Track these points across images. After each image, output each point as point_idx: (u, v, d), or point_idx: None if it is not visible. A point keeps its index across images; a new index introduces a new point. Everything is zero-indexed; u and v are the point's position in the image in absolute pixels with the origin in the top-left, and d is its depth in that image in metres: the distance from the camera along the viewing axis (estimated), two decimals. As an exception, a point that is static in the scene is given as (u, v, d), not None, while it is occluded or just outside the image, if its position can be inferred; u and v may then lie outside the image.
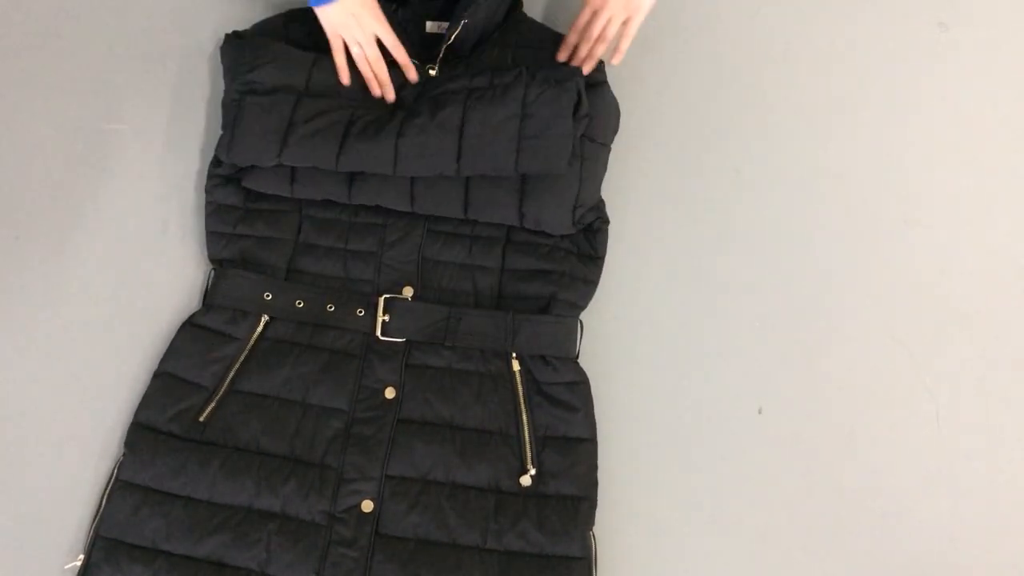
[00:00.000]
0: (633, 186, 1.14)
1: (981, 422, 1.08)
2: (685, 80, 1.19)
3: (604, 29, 1.08)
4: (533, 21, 1.16)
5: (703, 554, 1.02)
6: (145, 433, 0.99)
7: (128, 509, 0.96)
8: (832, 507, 1.04)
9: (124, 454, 0.99)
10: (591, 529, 0.99)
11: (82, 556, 0.96)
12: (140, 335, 1.05)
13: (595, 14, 1.08)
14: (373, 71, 1.07)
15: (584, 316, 1.07)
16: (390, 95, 1.08)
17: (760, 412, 1.07)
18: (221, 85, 1.11)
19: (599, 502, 1.00)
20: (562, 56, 1.11)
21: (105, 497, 0.98)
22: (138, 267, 1.08)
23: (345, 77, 1.07)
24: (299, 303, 1.04)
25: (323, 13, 1.04)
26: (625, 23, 1.09)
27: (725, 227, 1.14)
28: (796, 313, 1.11)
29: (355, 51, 1.06)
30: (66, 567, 0.98)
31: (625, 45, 1.11)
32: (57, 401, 1.03)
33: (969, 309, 1.12)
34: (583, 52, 1.10)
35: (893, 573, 1.03)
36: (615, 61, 1.12)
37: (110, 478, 0.99)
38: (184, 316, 1.05)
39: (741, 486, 1.04)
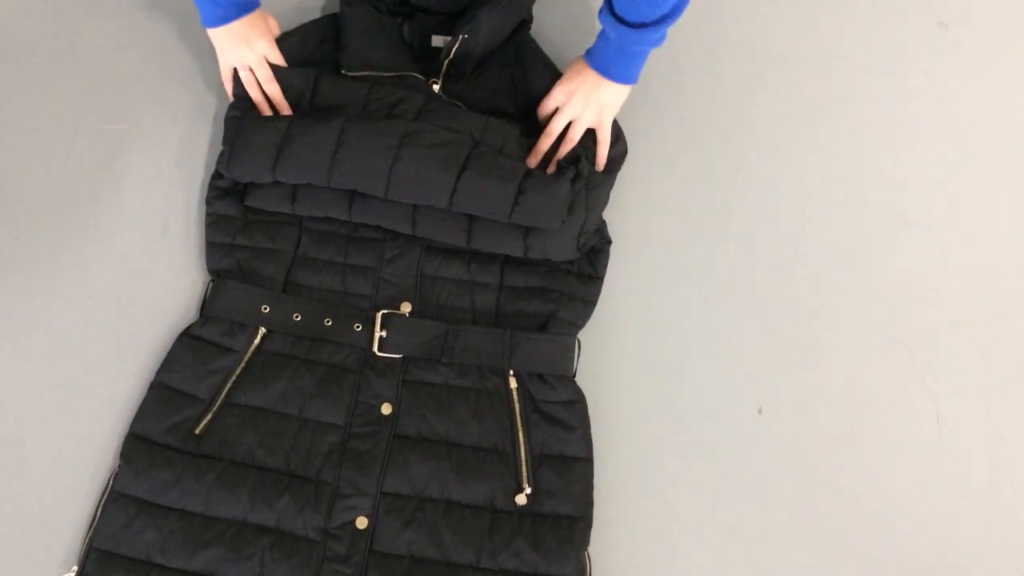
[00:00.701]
0: (632, 188, 1.14)
1: (981, 422, 1.08)
2: (684, 81, 1.19)
3: (571, 131, 1.06)
4: (538, 48, 1.14)
5: (703, 555, 1.02)
6: (140, 445, 0.99)
7: (122, 521, 0.96)
8: (832, 507, 1.04)
9: (119, 465, 0.98)
10: (586, 549, 0.98)
11: (75, 568, 0.95)
12: (138, 346, 1.05)
13: (558, 112, 1.06)
14: (265, 93, 1.07)
15: (581, 335, 1.07)
16: (285, 110, 1.06)
17: (760, 412, 1.07)
18: (222, 85, 1.11)
19: (595, 522, 0.99)
20: (532, 162, 1.06)
21: (100, 508, 0.97)
22: (138, 268, 1.08)
23: (232, 91, 1.08)
24: (296, 316, 1.03)
25: (214, 35, 1.05)
26: (595, 128, 1.06)
27: (725, 228, 1.14)
28: (796, 313, 1.11)
29: (244, 75, 1.06)
30: None
31: (602, 153, 1.07)
32: (52, 411, 1.03)
33: (969, 309, 1.12)
34: (542, 151, 1.06)
35: (893, 573, 1.03)
36: (598, 167, 1.08)
37: (105, 489, 0.98)
38: (181, 326, 1.04)
39: (741, 486, 1.04)
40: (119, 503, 0.97)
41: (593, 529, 0.99)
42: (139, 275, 1.08)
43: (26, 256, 1.08)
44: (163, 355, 1.02)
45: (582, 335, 1.07)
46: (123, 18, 1.17)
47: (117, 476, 0.98)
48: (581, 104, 1.05)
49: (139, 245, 1.09)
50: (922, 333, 1.11)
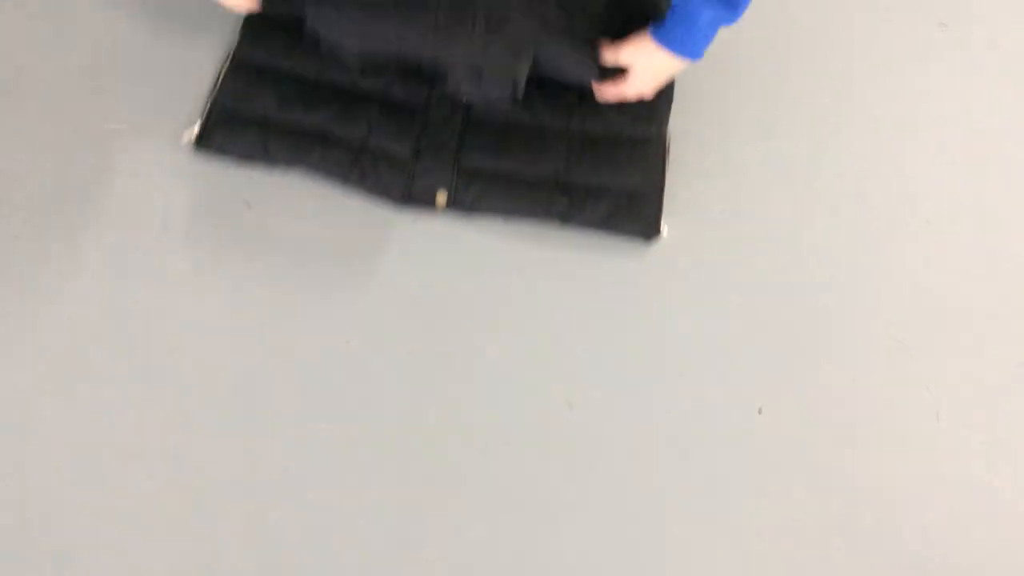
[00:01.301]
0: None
1: (981, 422, 1.08)
2: (683, 83, 1.19)
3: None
4: None
5: (702, 554, 1.02)
6: (259, 20, 1.08)
7: (242, 85, 1.07)
8: (832, 507, 1.04)
9: (240, 35, 1.07)
10: (667, 123, 1.11)
11: (200, 122, 1.04)
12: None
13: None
14: None
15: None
16: None
17: (760, 412, 1.07)
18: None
19: (675, 101, 1.10)
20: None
21: (221, 75, 1.08)
22: (138, 268, 1.08)
23: None
24: None
25: None
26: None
27: (724, 227, 1.14)
28: (796, 313, 1.11)
29: None
30: (184, 134, 1.06)
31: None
32: None
33: (969, 309, 1.12)
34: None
35: (893, 572, 1.03)
36: None
37: (226, 58, 1.06)
38: None
39: (741, 486, 1.04)
40: (239, 69, 1.07)
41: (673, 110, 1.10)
42: (141, 267, 1.08)
43: (26, 256, 1.07)
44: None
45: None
46: (124, 18, 1.17)
47: (238, 45, 1.07)
48: (652, 90, 1.09)
49: (140, 239, 1.09)
50: (922, 333, 1.11)
